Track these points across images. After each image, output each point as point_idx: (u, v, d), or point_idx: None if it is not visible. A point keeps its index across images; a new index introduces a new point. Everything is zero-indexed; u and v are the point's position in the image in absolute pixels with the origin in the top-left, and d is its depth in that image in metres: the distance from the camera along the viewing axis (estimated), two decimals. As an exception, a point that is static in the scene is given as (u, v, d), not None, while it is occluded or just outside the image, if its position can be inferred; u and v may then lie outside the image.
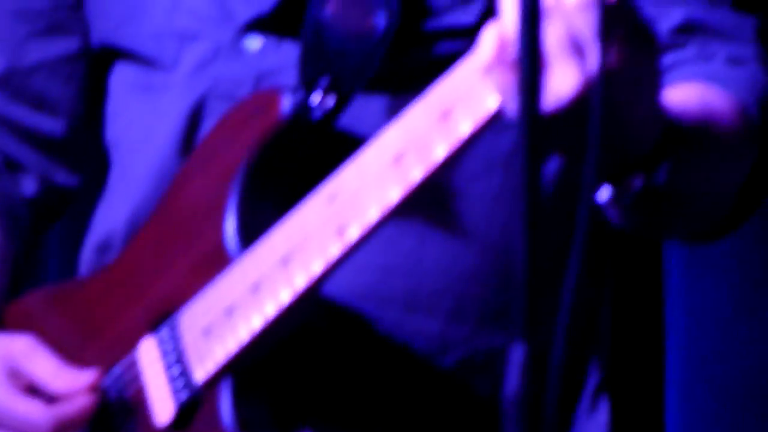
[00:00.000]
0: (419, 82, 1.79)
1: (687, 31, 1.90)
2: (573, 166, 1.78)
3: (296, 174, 1.88)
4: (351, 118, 1.86)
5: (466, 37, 1.83)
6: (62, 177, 2.18)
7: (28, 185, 2.19)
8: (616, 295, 2.37)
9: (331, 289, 1.80)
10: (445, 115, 1.62)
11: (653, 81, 1.59)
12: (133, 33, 2.08)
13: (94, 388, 1.92)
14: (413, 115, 1.69)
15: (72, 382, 1.94)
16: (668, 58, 1.85)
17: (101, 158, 2.30)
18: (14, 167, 2.19)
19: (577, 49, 1.48)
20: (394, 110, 1.83)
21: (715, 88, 1.80)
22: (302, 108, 1.81)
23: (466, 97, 1.60)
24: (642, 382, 3.60)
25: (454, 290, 1.90)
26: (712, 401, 3.85)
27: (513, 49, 1.41)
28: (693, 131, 1.71)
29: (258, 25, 1.96)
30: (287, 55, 1.91)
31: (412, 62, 1.92)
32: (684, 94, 1.76)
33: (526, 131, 1.23)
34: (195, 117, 1.98)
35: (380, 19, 1.83)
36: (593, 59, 1.48)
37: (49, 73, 2.20)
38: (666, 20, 1.88)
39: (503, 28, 1.49)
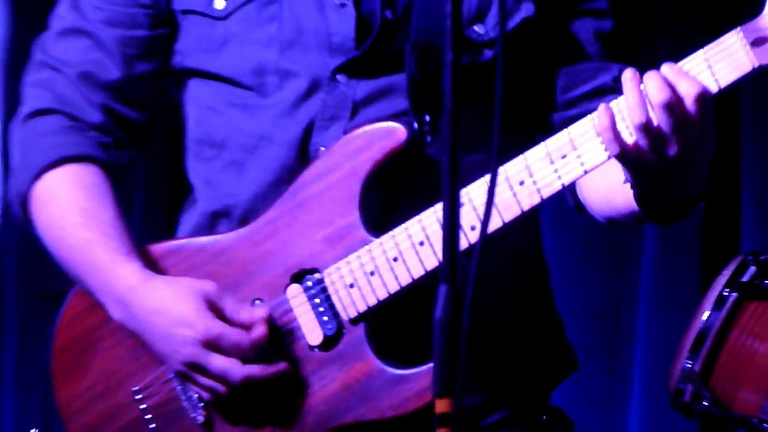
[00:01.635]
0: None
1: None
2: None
3: (400, 179, 2.29)
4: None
5: (487, 48, 2.28)
6: (133, 154, 2.58)
7: (124, 157, 2.54)
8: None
9: None
10: (564, 156, 2.08)
11: (712, 147, 2.01)
12: (231, 65, 2.46)
13: (265, 320, 2.29)
14: (537, 152, 2.12)
15: (252, 314, 2.29)
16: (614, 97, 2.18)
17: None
18: (120, 146, 2.54)
19: (683, 127, 1.94)
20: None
21: None
22: (417, 135, 2.22)
23: (583, 147, 2.08)
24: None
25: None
26: (573, 325, 4.65)
27: (625, 122, 1.99)
28: None
29: (344, 68, 2.31)
30: (367, 88, 2.28)
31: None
32: None
33: (449, 161, 1.57)
34: (308, 131, 2.34)
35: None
36: (694, 134, 1.95)
37: (142, 82, 2.55)
38: (609, 73, 2.33)
39: (618, 108, 1.97)
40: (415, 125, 2.22)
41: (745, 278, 3.36)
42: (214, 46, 2.43)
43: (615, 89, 2.20)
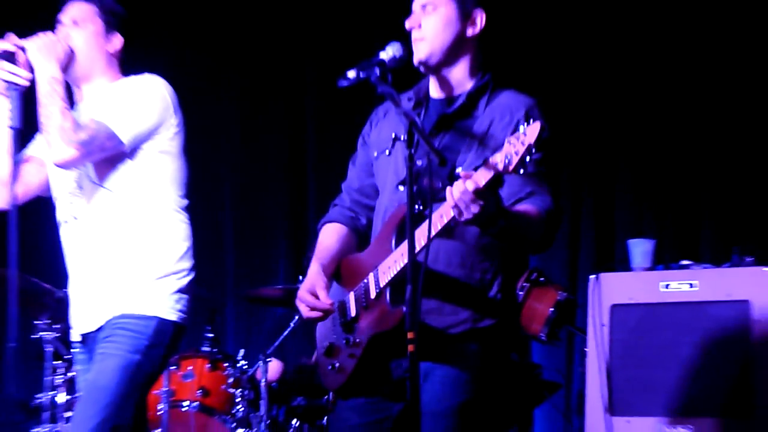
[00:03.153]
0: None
1: (528, 195, 2.58)
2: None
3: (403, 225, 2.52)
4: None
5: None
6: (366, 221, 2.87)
7: (362, 222, 2.92)
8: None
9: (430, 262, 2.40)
10: (442, 216, 2.38)
11: (493, 212, 2.33)
12: (379, 182, 2.83)
13: (325, 306, 2.68)
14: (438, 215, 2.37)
15: (322, 297, 2.69)
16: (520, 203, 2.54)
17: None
18: (357, 216, 2.93)
19: (470, 204, 2.26)
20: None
21: (530, 205, 2.54)
22: (415, 208, 2.44)
23: (444, 212, 2.37)
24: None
25: (452, 289, 2.63)
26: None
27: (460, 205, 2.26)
28: (518, 215, 2.47)
29: (401, 183, 2.66)
30: (405, 191, 2.44)
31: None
32: (521, 206, 2.52)
33: (409, 223, 2.31)
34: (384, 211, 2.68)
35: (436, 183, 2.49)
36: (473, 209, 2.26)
37: (370, 187, 2.89)
38: (521, 192, 2.57)
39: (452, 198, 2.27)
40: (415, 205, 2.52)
41: (532, 278, 4.43)
42: (375, 173, 2.89)
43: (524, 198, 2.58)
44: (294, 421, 4.49)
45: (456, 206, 2.29)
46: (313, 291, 2.68)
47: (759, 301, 3.68)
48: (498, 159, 2.28)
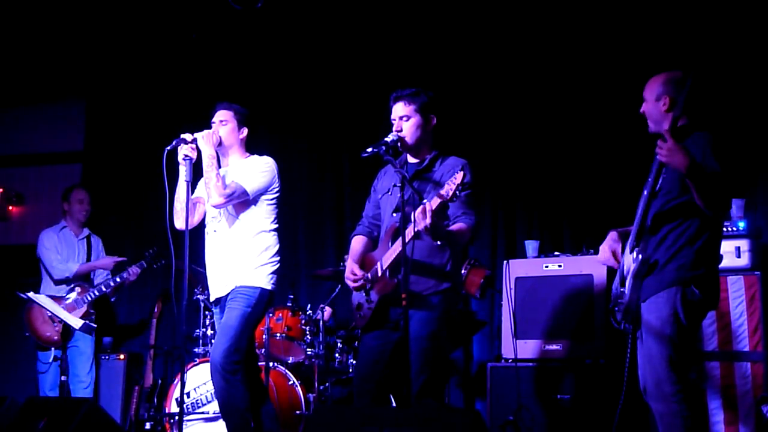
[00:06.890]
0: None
1: (461, 215, 2.45)
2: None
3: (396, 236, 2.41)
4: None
5: None
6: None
7: (375, 233, 2.74)
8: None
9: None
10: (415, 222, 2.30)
11: (443, 224, 2.24)
12: (383, 213, 2.68)
13: (361, 277, 2.55)
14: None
15: (358, 275, 2.53)
16: (456, 220, 2.45)
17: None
18: (372, 230, 2.75)
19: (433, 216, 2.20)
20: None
21: (462, 223, 2.46)
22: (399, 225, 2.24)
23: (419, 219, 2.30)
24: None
25: (423, 268, 2.49)
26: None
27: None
28: (454, 232, 2.39)
29: (394, 210, 2.52)
30: (397, 217, 2.37)
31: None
32: (456, 225, 2.44)
33: (403, 229, 2.28)
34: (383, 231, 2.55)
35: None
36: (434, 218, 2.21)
37: (378, 214, 2.72)
38: (458, 212, 2.48)
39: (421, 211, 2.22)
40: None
41: (472, 262, 4.14)
42: (381, 206, 2.83)
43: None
44: (339, 344, 4.34)
45: (418, 218, 2.33)
46: (353, 271, 2.79)
47: (596, 275, 3.87)
48: (443, 192, 2.38)
